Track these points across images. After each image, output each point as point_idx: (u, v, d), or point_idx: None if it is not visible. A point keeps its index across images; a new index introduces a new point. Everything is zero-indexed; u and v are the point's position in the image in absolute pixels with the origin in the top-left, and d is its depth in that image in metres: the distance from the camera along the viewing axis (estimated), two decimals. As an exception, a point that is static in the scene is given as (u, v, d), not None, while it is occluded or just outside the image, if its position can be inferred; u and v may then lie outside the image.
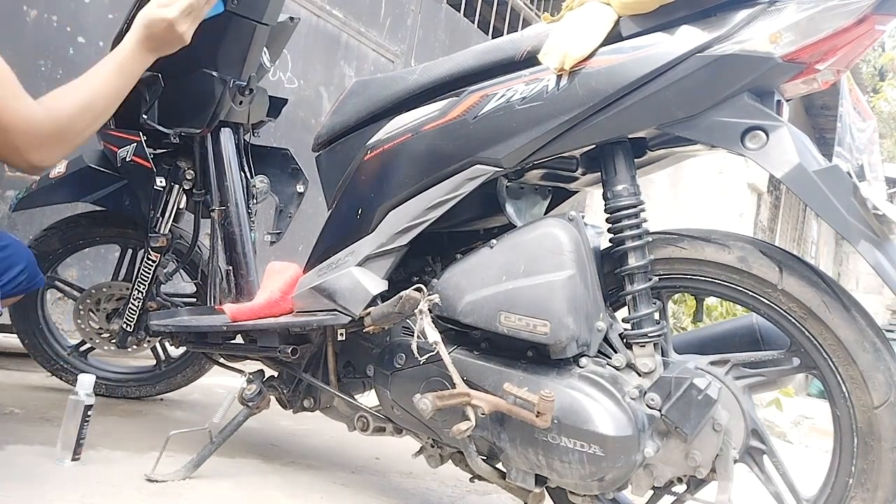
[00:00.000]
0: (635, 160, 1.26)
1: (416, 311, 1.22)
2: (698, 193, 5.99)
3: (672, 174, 5.77)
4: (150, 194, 1.69)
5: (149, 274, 1.77)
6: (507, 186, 1.40)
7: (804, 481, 1.21)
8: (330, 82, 3.24)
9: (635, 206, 1.23)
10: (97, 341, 1.88)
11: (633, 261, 1.22)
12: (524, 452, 1.22)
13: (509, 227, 1.33)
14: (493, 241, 1.28)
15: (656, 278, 1.24)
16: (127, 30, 1.57)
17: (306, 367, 1.52)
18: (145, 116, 1.61)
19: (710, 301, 3.53)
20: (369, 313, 1.30)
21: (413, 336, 1.23)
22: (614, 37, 1.17)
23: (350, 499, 1.48)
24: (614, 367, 1.21)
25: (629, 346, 1.22)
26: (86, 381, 1.44)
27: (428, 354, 1.25)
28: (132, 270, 1.87)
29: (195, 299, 1.95)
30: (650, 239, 1.24)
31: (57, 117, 1.19)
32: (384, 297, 1.32)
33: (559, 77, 1.18)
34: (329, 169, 1.49)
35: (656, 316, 1.23)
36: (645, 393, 1.18)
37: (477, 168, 1.25)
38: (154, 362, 2.02)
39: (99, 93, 1.25)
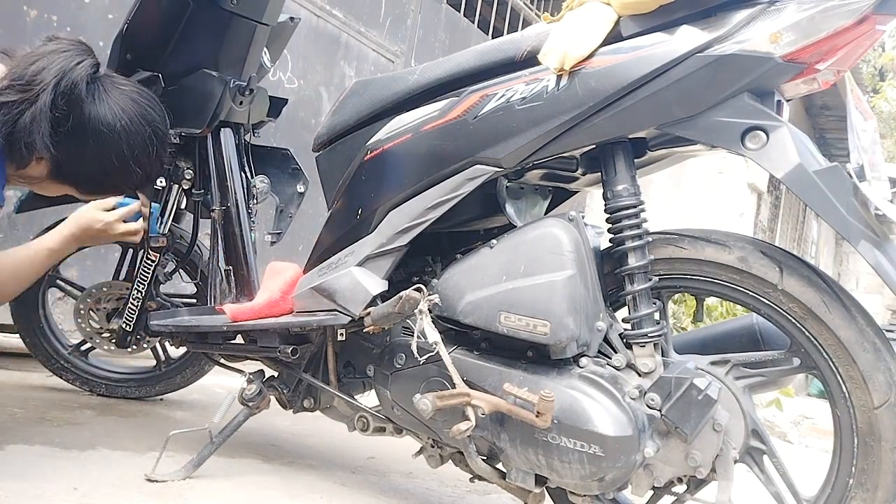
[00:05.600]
0: (635, 160, 1.26)
1: (416, 311, 1.22)
2: (698, 193, 5.99)
3: (672, 174, 5.76)
4: (149, 194, 1.70)
5: (148, 274, 1.77)
6: (507, 186, 1.40)
7: (804, 481, 1.21)
8: (330, 82, 3.24)
9: (635, 206, 1.23)
10: (97, 341, 1.88)
11: (633, 261, 1.22)
12: (524, 452, 1.22)
13: (509, 227, 1.33)
14: (493, 241, 1.28)
15: (656, 278, 1.24)
16: (127, 29, 1.58)
17: (306, 367, 1.52)
18: (145, 116, 1.61)
19: (710, 301, 3.53)
20: (369, 313, 1.30)
21: (413, 336, 1.23)
22: (614, 37, 1.17)
23: (350, 498, 1.48)
24: (614, 368, 1.21)
25: (629, 346, 1.22)
26: None
27: (428, 354, 1.25)
28: (132, 270, 1.87)
29: (195, 299, 1.95)
30: (650, 239, 1.24)
31: None
32: (384, 297, 1.32)
33: (559, 77, 1.18)
34: (329, 169, 1.49)
35: (656, 316, 1.23)
36: (645, 393, 1.18)
37: (477, 168, 1.25)
38: (154, 362, 2.02)
39: (28, 272, 1.47)
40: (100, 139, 1.29)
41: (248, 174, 1.74)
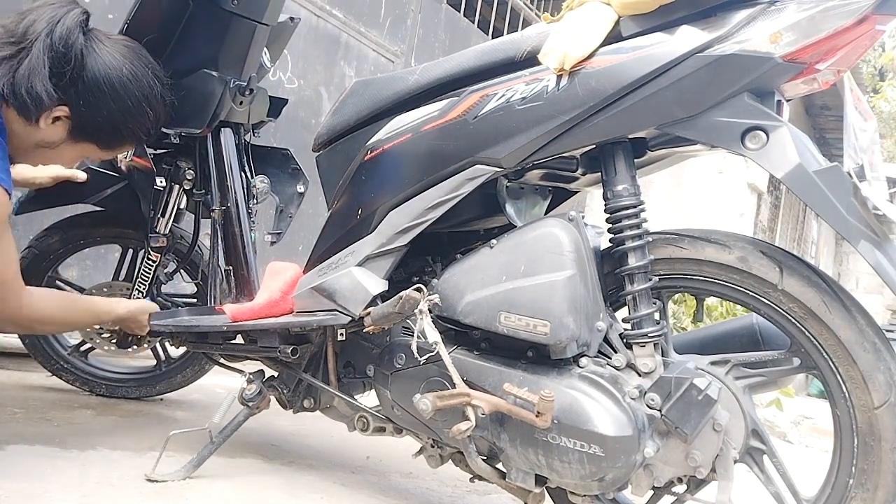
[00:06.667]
0: (635, 160, 1.26)
1: (416, 311, 1.22)
2: (698, 193, 5.99)
3: (672, 174, 5.77)
4: (150, 194, 1.70)
5: (149, 274, 1.77)
6: (507, 186, 1.40)
7: (804, 481, 1.21)
8: (330, 82, 3.24)
9: (635, 206, 1.23)
10: (97, 341, 1.88)
11: (633, 261, 1.22)
12: (524, 452, 1.22)
13: (509, 227, 1.33)
14: (493, 241, 1.28)
15: (656, 278, 1.24)
16: (127, 30, 1.58)
17: (306, 367, 1.52)
18: (145, 116, 1.61)
19: (710, 301, 3.53)
20: (369, 313, 1.30)
21: (413, 336, 1.23)
22: (614, 37, 1.17)
23: (350, 499, 1.48)
24: (614, 367, 1.21)
25: (629, 346, 1.22)
26: None
27: (428, 354, 1.25)
28: (132, 270, 1.87)
29: (195, 299, 1.95)
30: (650, 239, 1.24)
31: (34, 316, 1.42)
32: (384, 297, 1.32)
33: (559, 77, 1.18)
34: (329, 169, 1.49)
35: (656, 316, 1.23)
36: (645, 393, 1.18)
37: (477, 168, 1.25)
38: (154, 362, 2.02)
39: (72, 321, 1.56)
40: (112, 85, 1.35)
41: (248, 174, 1.74)
